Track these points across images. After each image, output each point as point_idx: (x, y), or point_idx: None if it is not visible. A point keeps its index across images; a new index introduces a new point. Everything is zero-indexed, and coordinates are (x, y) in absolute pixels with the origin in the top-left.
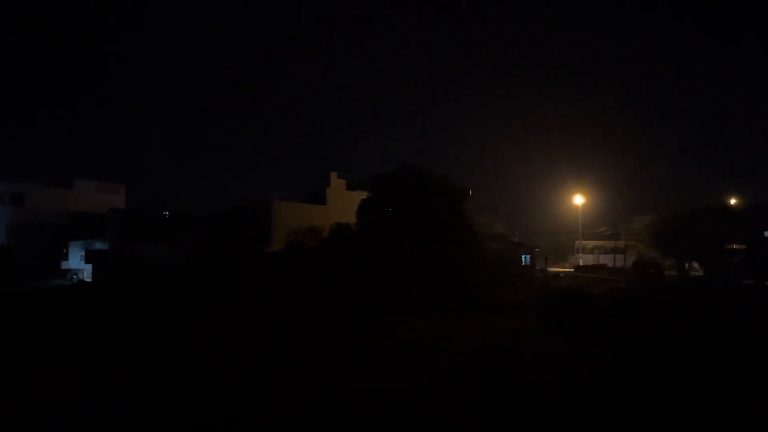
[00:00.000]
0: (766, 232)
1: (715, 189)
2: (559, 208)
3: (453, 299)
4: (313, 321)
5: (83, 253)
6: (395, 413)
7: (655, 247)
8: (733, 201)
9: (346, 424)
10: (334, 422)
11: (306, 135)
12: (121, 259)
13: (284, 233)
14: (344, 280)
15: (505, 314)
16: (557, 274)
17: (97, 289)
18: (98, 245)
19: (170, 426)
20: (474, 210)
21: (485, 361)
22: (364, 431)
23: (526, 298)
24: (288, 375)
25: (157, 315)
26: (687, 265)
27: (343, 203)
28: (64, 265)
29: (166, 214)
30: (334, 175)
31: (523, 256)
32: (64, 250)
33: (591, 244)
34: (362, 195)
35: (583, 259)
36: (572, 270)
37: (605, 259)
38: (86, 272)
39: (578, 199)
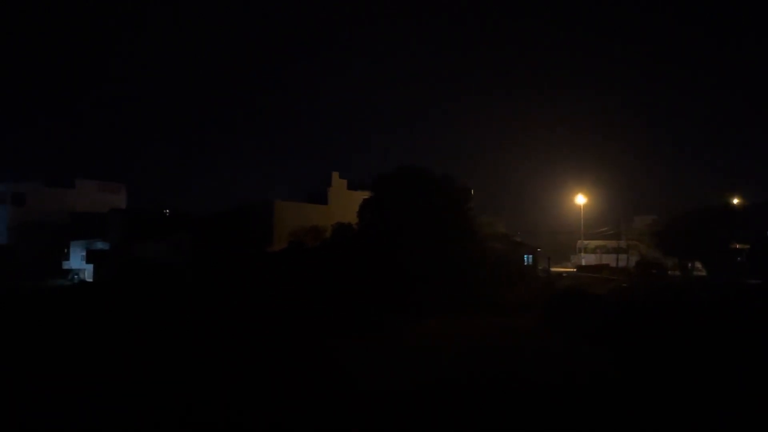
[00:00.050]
0: None
1: (716, 189)
2: (560, 207)
3: (455, 299)
4: (315, 321)
5: (84, 253)
6: (396, 414)
7: (657, 246)
8: (735, 200)
9: (347, 425)
10: (335, 422)
11: (307, 135)
12: (123, 259)
13: (286, 233)
14: (346, 280)
15: (507, 314)
16: (560, 274)
17: (99, 289)
18: (99, 245)
19: (171, 426)
20: (476, 210)
21: (487, 361)
22: (365, 431)
23: (529, 298)
24: (289, 375)
25: (159, 315)
26: (689, 264)
27: (345, 203)
28: (65, 265)
29: (166, 212)
30: (335, 175)
31: (525, 256)
32: (65, 250)
33: (593, 243)
34: (364, 195)
35: (585, 259)
36: (574, 270)
37: (607, 259)
38: (87, 272)
39: (580, 199)
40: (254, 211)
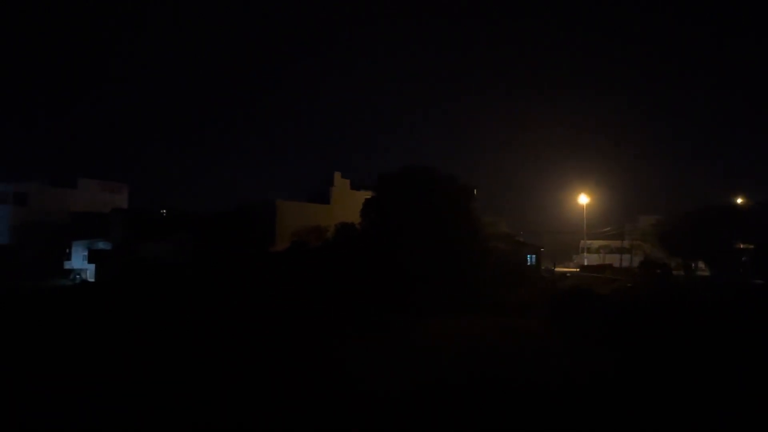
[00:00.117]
0: None
1: (720, 189)
2: (563, 207)
3: (458, 299)
4: (317, 321)
5: (86, 253)
6: (399, 415)
7: (661, 246)
8: (739, 200)
9: (348, 425)
10: (337, 423)
11: (309, 134)
12: (124, 258)
13: (288, 233)
14: (349, 280)
15: (511, 315)
16: (563, 274)
17: (101, 289)
18: (101, 245)
19: (173, 426)
20: (478, 209)
21: (491, 362)
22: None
23: (532, 298)
24: (292, 375)
25: (161, 315)
26: (693, 264)
27: (347, 203)
28: (67, 265)
29: (163, 213)
30: (338, 175)
31: (528, 256)
32: (67, 250)
33: (596, 243)
34: (366, 195)
35: (588, 259)
36: (577, 270)
37: (610, 259)
38: (89, 272)
39: (583, 199)
40: (256, 210)
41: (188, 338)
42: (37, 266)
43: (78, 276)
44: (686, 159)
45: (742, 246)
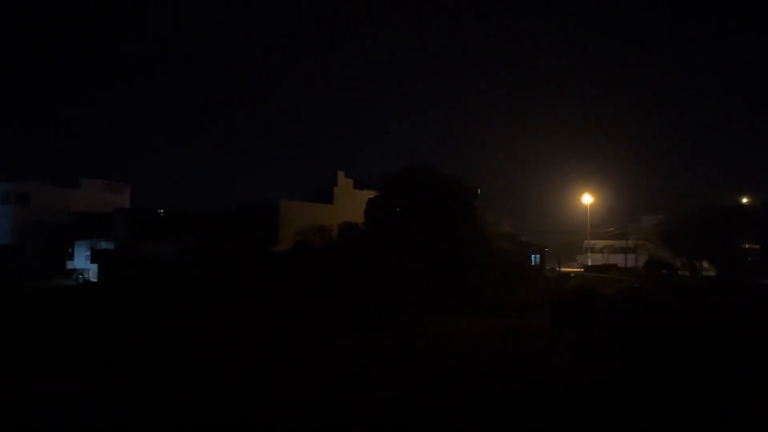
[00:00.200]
0: None
1: (724, 188)
2: (566, 207)
3: (462, 299)
4: (321, 321)
5: (89, 253)
6: (403, 415)
7: (665, 246)
8: (745, 200)
9: (351, 425)
10: (338, 423)
11: (312, 134)
12: (127, 258)
13: (291, 233)
14: (353, 280)
15: (516, 315)
16: (567, 274)
17: (103, 288)
18: (104, 245)
19: (174, 426)
20: (482, 209)
21: (496, 363)
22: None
23: (537, 298)
24: (295, 375)
25: (164, 315)
26: (698, 264)
27: (350, 202)
28: (70, 265)
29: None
30: (341, 174)
31: (532, 256)
32: (70, 250)
33: (600, 243)
34: (369, 194)
35: (592, 259)
36: (581, 270)
37: (614, 259)
38: (92, 272)
39: (587, 199)
40: (260, 210)
41: (192, 338)
42: (39, 266)
43: (81, 276)
44: (689, 158)
45: (747, 246)
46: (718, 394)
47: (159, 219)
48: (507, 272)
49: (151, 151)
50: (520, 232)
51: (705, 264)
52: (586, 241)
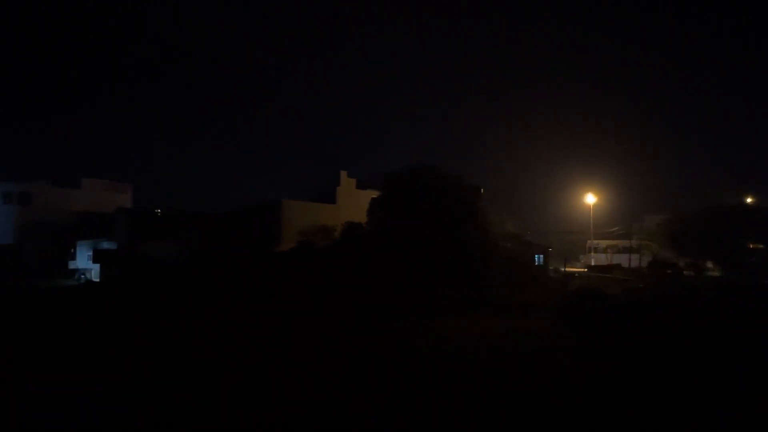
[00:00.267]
0: None
1: (727, 188)
2: (570, 207)
3: (466, 299)
4: (325, 321)
5: (91, 253)
6: (407, 415)
7: (669, 246)
8: (749, 200)
9: (354, 426)
10: (341, 423)
11: (315, 134)
12: (129, 258)
13: (294, 233)
14: (356, 280)
15: (520, 315)
16: (571, 274)
17: (106, 289)
18: (106, 245)
19: (176, 426)
20: (486, 209)
21: (502, 363)
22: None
23: (541, 298)
24: (297, 376)
25: (167, 315)
26: (702, 264)
27: (353, 202)
28: (72, 265)
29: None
30: (343, 174)
31: (536, 255)
32: (72, 250)
33: (603, 243)
34: (372, 194)
35: (595, 259)
36: (585, 270)
37: (618, 259)
38: (94, 272)
39: (590, 198)
40: (262, 210)
41: (194, 338)
42: (41, 266)
43: (83, 276)
44: (692, 158)
45: (751, 246)
46: (724, 394)
47: (161, 219)
48: (511, 272)
49: (153, 151)
50: (524, 231)
51: (709, 264)
52: (589, 241)
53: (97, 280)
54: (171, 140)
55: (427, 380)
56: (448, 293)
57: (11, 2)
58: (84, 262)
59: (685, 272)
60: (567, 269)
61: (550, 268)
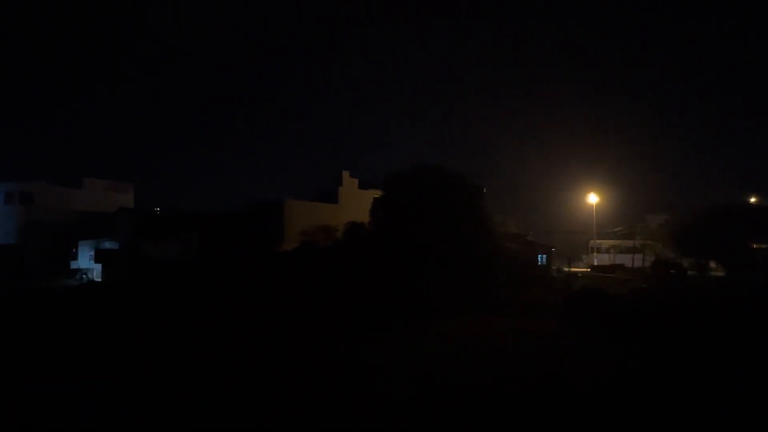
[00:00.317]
0: None
1: (730, 187)
2: (572, 207)
3: (469, 300)
4: (327, 321)
5: (92, 253)
6: (411, 416)
7: (673, 246)
8: (752, 199)
9: (357, 426)
10: (344, 424)
11: (316, 133)
12: (131, 258)
13: (296, 232)
14: (358, 280)
15: (525, 315)
16: (575, 274)
17: (108, 289)
18: (107, 244)
19: (177, 426)
20: (488, 209)
21: (507, 364)
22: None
23: (546, 299)
24: (299, 375)
25: (169, 315)
26: (706, 264)
27: (355, 202)
28: (74, 265)
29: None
30: (346, 174)
31: (539, 255)
32: (74, 250)
33: (606, 243)
34: (374, 194)
35: (598, 259)
36: (588, 270)
37: (620, 259)
38: (96, 272)
39: (592, 198)
40: (264, 210)
41: (196, 338)
42: (42, 266)
43: (84, 276)
44: (695, 157)
45: (755, 246)
46: (734, 396)
47: (163, 219)
48: (514, 272)
49: (155, 151)
50: (526, 231)
51: (712, 264)
52: (591, 241)
53: (99, 280)
54: (173, 140)
55: (430, 380)
56: (450, 293)
57: (11, 2)
58: (86, 262)
59: (689, 272)
60: (572, 269)
61: (553, 268)
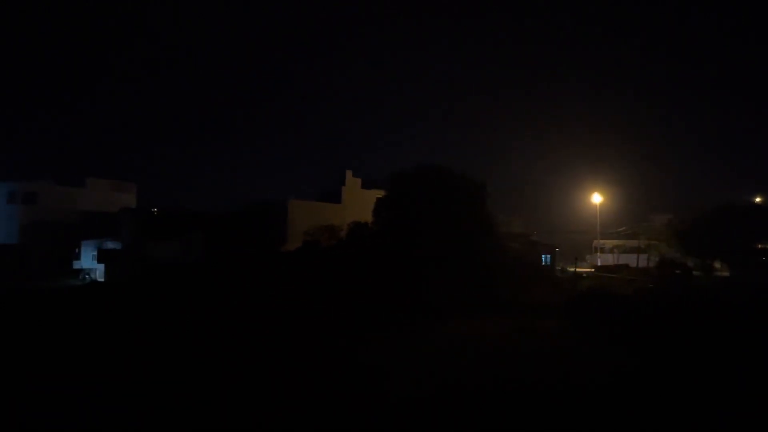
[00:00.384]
0: None
1: (734, 187)
2: (576, 207)
3: (473, 300)
4: (331, 322)
5: (95, 253)
6: (416, 416)
7: (677, 246)
8: (757, 199)
9: (355, 425)
10: (347, 424)
11: (320, 133)
12: (134, 258)
13: (299, 232)
14: (362, 280)
15: (530, 316)
16: (579, 274)
17: (110, 289)
18: (110, 244)
19: (177, 426)
20: (492, 208)
21: (512, 364)
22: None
23: (550, 299)
24: (302, 376)
25: (172, 315)
26: (711, 264)
27: (359, 202)
28: (77, 265)
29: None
30: (349, 174)
31: (543, 255)
32: (77, 250)
33: (610, 243)
34: (377, 193)
35: (602, 259)
36: (592, 270)
37: (624, 259)
38: (98, 272)
39: (596, 198)
40: (267, 210)
41: (199, 338)
42: (45, 266)
43: (87, 276)
44: (698, 157)
45: (760, 246)
46: (741, 397)
47: (166, 219)
48: (517, 272)
49: (158, 151)
50: (530, 231)
51: (716, 264)
52: (595, 241)
53: (102, 280)
54: (176, 140)
55: (431, 380)
56: (453, 293)
57: (12, 2)
58: (88, 261)
59: (694, 272)
60: (577, 269)
61: (557, 268)
